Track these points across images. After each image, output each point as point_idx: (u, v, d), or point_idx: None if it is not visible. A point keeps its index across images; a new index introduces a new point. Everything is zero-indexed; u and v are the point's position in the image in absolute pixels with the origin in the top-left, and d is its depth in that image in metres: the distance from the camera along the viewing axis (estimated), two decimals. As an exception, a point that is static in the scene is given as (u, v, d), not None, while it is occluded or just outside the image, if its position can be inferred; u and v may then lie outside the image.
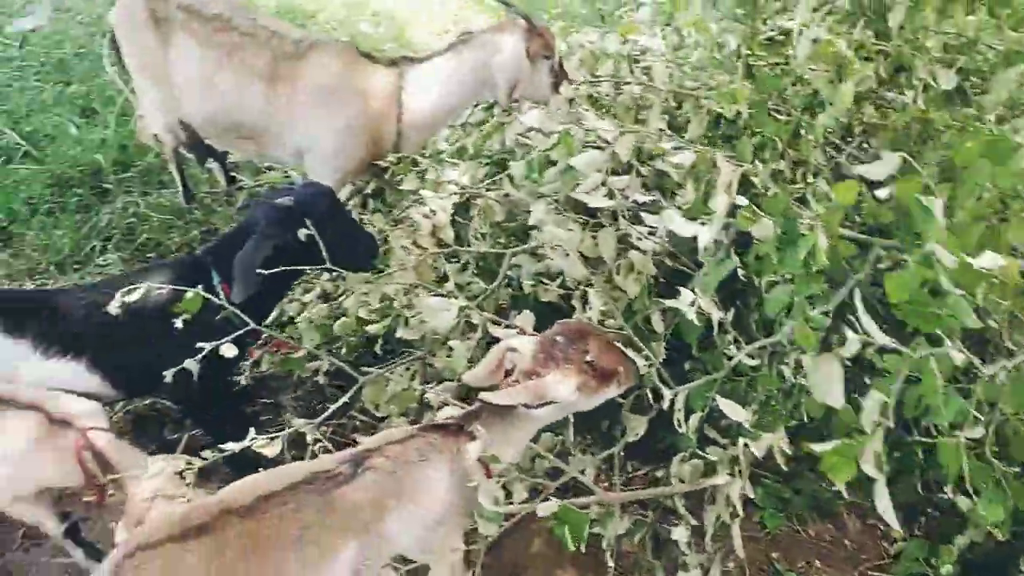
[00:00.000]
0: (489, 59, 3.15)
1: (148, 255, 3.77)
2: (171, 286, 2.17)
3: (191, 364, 1.92)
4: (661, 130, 2.44)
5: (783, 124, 2.58)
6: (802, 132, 2.64)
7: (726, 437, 2.12)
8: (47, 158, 4.12)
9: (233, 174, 4.11)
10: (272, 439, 1.89)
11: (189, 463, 1.92)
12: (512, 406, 1.83)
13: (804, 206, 2.20)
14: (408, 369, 2.35)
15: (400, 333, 2.36)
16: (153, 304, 2.22)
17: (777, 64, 3.15)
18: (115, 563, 1.63)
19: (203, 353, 1.92)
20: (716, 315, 2.00)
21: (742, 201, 2.04)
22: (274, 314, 2.83)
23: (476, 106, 3.54)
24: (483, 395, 1.81)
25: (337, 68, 3.12)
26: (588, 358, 1.87)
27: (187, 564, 1.63)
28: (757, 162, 2.34)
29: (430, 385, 2.27)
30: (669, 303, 2.06)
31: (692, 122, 2.82)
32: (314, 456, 2.14)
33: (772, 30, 3.11)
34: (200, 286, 2.05)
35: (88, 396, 2.32)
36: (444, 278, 2.74)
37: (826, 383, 1.68)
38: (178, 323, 1.97)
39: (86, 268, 3.67)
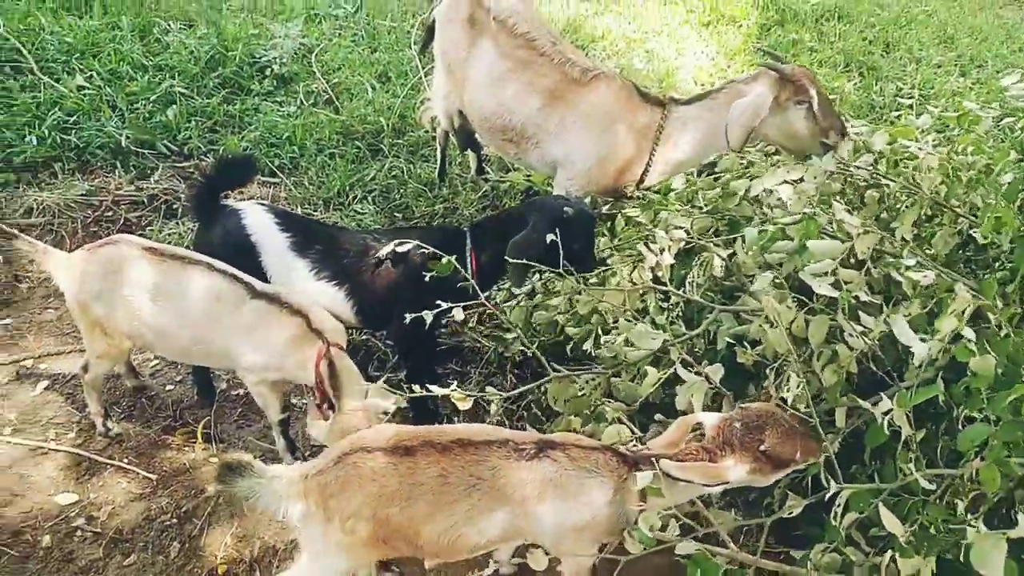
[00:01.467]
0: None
1: (396, 215, 4.28)
2: (432, 248, 2.52)
3: (428, 315, 2.25)
4: (906, 240, 2.43)
5: (1042, 267, 2.46)
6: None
7: (870, 546, 2.12)
8: (343, 110, 4.78)
9: (484, 165, 4.56)
10: (468, 396, 2.17)
11: (394, 397, 2.27)
12: None
13: (1035, 355, 2.12)
14: (594, 379, 2.54)
15: (599, 348, 2.57)
16: (412, 259, 2.61)
17: (1053, 205, 2.99)
18: (339, 454, 2.01)
19: (440, 309, 2.24)
20: (906, 431, 2.00)
21: (970, 333, 2.02)
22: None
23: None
24: (664, 463, 1.97)
25: (613, 102, 3.38)
26: (763, 447, 1.97)
27: (388, 473, 1.98)
28: (998, 299, 2.28)
29: (608, 400, 2.45)
30: (862, 404, 2.09)
31: (939, 235, 2.76)
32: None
33: (1055, 168, 2.95)
34: (455, 254, 2.41)
35: (335, 318, 2.77)
36: (645, 311, 2.92)
37: (986, 557, 1.67)
38: (427, 278, 2.31)
39: (345, 211, 4.25)
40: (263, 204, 3.04)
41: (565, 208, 2.81)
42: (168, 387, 3.33)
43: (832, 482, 2.05)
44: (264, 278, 2.84)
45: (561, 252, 2.61)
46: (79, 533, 2.70)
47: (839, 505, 2.03)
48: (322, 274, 2.85)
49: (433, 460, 1.99)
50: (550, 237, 2.62)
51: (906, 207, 2.68)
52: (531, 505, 2.02)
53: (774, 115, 3.14)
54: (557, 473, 2.02)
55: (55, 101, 4.43)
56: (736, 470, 1.97)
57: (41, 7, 5.05)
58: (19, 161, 4.17)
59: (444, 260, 2.28)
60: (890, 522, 1.92)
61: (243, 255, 2.83)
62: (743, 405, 2.09)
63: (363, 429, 2.18)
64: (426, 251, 2.47)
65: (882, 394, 1.96)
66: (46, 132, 4.26)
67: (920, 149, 3.11)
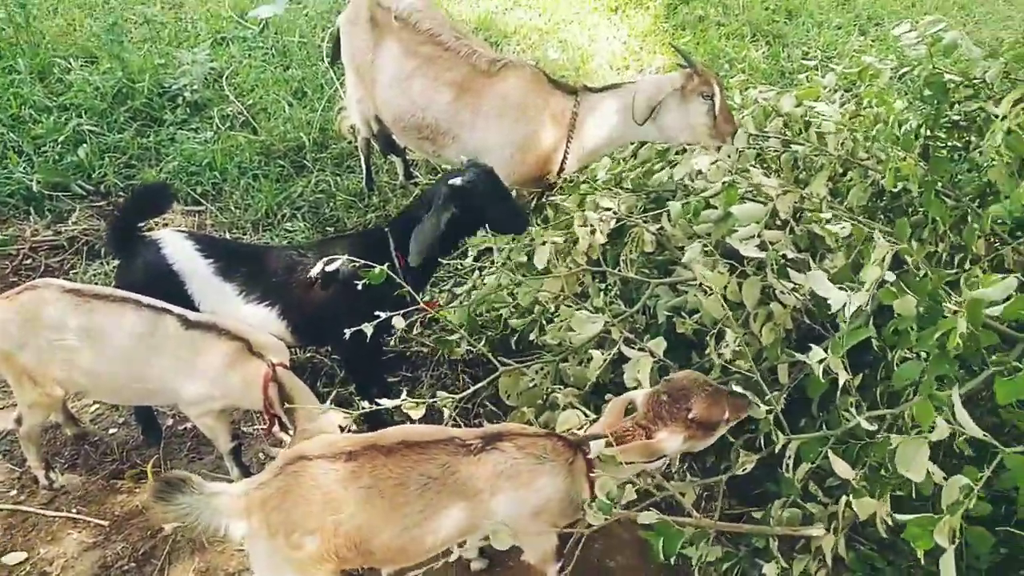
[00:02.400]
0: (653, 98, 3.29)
1: (328, 228, 4.23)
2: (359, 259, 2.49)
3: (367, 327, 2.23)
4: (824, 197, 2.53)
5: (950, 208, 2.59)
6: (968, 219, 2.64)
7: (828, 497, 2.19)
8: (261, 130, 4.70)
9: (411, 170, 4.54)
10: (419, 403, 2.16)
11: (347, 415, 2.24)
12: None
13: (954, 291, 2.23)
14: (542, 368, 2.57)
15: (545, 337, 2.59)
16: (339, 271, 2.59)
17: (955, 148, 3.14)
18: (279, 465, 1.97)
19: (379, 320, 2.23)
20: (843, 376, 2.08)
21: (890, 277, 2.11)
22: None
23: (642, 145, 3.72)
24: (603, 450, 2.02)
25: (524, 89, 3.41)
26: (691, 415, 2.05)
27: (331, 479, 1.95)
28: (914, 242, 2.38)
29: (559, 387, 2.48)
30: (799, 357, 2.16)
31: (854, 190, 2.88)
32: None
33: (958, 115, 3.10)
34: (381, 257, 2.39)
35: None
36: (585, 294, 2.96)
37: (910, 459, 1.76)
38: (358, 286, 2.29)
39: (275, 231, 4.18)
40: (181, 231, 2.97)
41: (453, 180, 2.76)
42: (111, 430, 3.22)
43: (780, 436, 2.12)
44: (192, 306, 2.78)
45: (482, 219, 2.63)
46: (33, 593, 2.60)
47: (790, 457, 2.10)
48: (251, 296, 2.79)
49: (379, 463, 1.96)
50: (448, 215, 2.64)
51: (818, 168, 2.78)
52: (485, 497, 2.03)
53: (679, 104, 3.22)
54: (507, 463, 2.04)
55: (-45, 152, 4.24)
56: (671, 441, 2.04)
57: (-73, 58, 4.82)
58: (-77, 218, 3.99)
59: (376, 270, 2.26)
60: (840, 467, 2.00)
61: (168, 285, 2.77)
62: (666, 378, 2.16)
63: None
64: (355, 263, 2.44)
65: (814, 345, 2.03)
66: (-50, 185, 4.08)
67: (827, 108, 3.23)
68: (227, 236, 4.10)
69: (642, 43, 5.97)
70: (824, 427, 2.36)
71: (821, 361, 2.05)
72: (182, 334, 2.54)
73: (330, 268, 2.27)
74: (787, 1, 6.69)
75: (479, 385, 2.39)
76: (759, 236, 2.37)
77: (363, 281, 2.28)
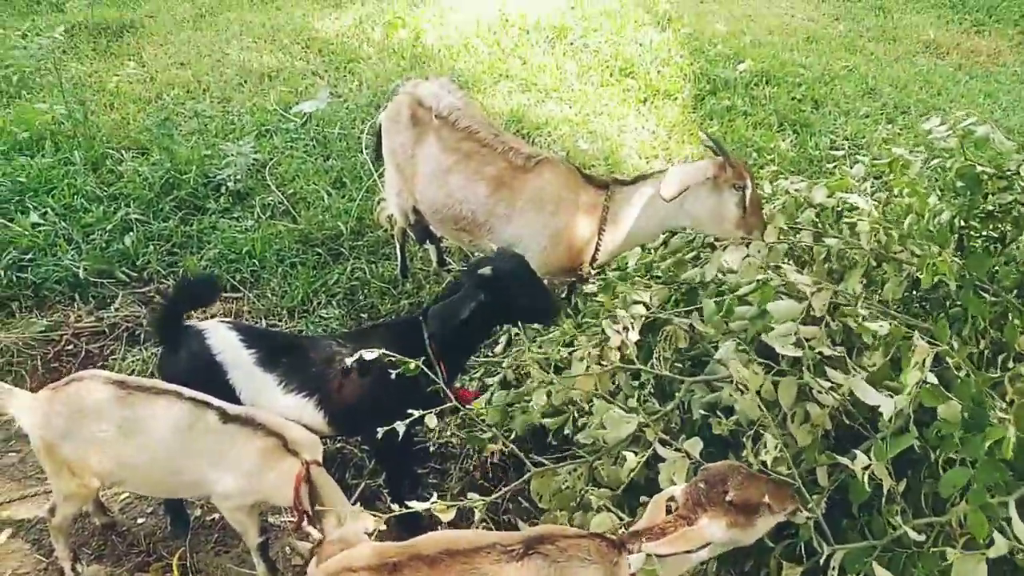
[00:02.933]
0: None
1: (362, 315, 4.29)
2: (392, 351, 2.50)
3: (400, 426, 2.23)
4: (859, 292, 2.50)
5: (989, 304, 2.55)
6: (1009, 315, 2.59)
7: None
8: (300, 219, 4.84)
9: (444, 257, 4.62)
10: (449, 506, 2.13)
11: (378, 518, 2.21)
12: None
13: (998, 392, 2.17)
14: (575, 469, 2.52)
15: (578, 436, 2.56)
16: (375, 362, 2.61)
17: (992, 240, 3.11)
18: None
19: (411, 419, 2.23)
20: (888, 483, 2.01)
21: (932, 379, 2.07)
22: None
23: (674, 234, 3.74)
24: (648, 545, 1.97)
25: (558, 183, 3.51)
26: (729, 497, 1.98)
27: None
28: (954, 341, 2.34)
29: (592, 488, 2.42)
30: (840, 460, 2.10)
31: (889, 284, 2.85)
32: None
33: (992, 206, 3.09)
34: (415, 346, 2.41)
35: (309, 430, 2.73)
36: (618, 390, 2.93)
37: None
38: (392, 376, 2.30)
39: (310, 317, 4.24)
40: (226, 321, 3.03)
41: (483, 269, 2.79)
42: (139, 520, 3.22)
43: (824, 545, 2.04)
44: (233, 396, 2.80)
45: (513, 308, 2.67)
46: None
47: (834, 568, 2.01)
48: (291, 387, 2.82)
49: (423, 574, 1.93)
50: (474, 303, 2.67)
51: (850, 265, 2.77)
52: None
53: (710, 192, 3.23)
54: (548, 568, 1.98)
55: (10, 240, 4.42)
56: (713, 527, 1.98)
57: (-9, 150, 5.09)
58: (-25, 304, 4.12)
59: (411, 365, 2.27)
60: (887, 580, 1.91)
61: (211, 375, 2.81)
62: (704, 467, 2.11)
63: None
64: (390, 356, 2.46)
65: (856, 451, 1.97)
66: (2, 272, 4.23)
67: (859, 200, 3.24)
68: (263, 323, 4.17)
69: (670, 133, 6.10)
70: (867, 531, 2.27)
71: (866, 468, 1.99)
72: (220, 428, 2.56)
73: (368, 358, 2.28)
74: (813, 91, 6.81)
75: (510, 487, 2.35)
76: (795, 333, 2.35)
77: (397, 372, 2.30)
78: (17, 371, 3.84)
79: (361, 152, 5.34)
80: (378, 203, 4.55)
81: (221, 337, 2.88)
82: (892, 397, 2.00)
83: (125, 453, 2.59)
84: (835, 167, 3.92)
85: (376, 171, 4.97)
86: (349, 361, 2.35)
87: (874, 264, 3.00)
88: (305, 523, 2.42)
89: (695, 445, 2.28)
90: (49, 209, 4.66)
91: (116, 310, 4.21)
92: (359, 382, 2.78)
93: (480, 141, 3.60)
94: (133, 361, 3.90)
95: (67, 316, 4.16)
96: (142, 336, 4.06)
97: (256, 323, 4.16)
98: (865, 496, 2.08)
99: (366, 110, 5.97)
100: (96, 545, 3.10)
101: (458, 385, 3.31)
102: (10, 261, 4.29)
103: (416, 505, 2.07)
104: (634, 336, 2.68)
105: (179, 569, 2.95)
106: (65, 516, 2.81)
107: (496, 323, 2.98)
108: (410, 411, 2.25)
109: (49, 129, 5.29)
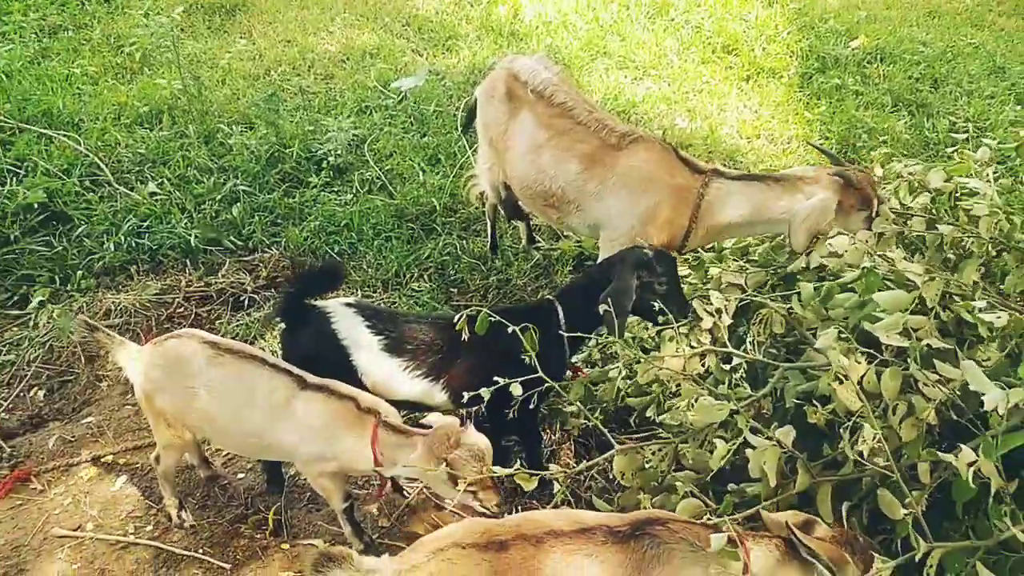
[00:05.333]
0: (792, 206, 3.21)
1: (451, 290, 4.36)
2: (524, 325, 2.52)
3: (516, 388, 2.33)
4: (976, 282, 2.35)
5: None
6: None
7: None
8: (396, 194, 4.95)
9: (533, 235, 4.63)
10: (532, 475, 2.15)
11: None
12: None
13: None
14: (660, 450, 2.49)
15: (664, 418, 2.52)
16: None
17: None
18: (433, 549, 1.96)
19: (531, 393, 2.31)
20: (996, 482, 1.89)
21: (1052, 373, 1.92)
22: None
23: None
24: (801, 536, 1.93)
25: (651, 163, 3.43)
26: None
27: (480, 570, 1.92)
28: (1082, 336, 2.16)
29: (677, 471, 2.39)
30: (945, 457, 1.99)
31: (1011, 276, 2.66)
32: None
33: None
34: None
35: (428, 408, 2.85)
36: (708, 373, 2.86)
37: None
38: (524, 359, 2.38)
39: (403, 290, 4.34)
40: (350, 304, 3.06)
41: (644, 251, 2.93)
42: (239, 475, 3.40)
43: (922, 542, 1.94)
44: (355, 378, 2.89)
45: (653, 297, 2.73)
46: (160, 627, 2.73)
47: (931, 567, 1.91)
48: (417, 372, 2.90)
49: (527, 554, 1.92)
50: (636, 282, 2.74)
51: (967, 254, 2.59)
52: None
53: (836, 220, 3.13)
54: (659, 548, 1.96)
55: (130, 208, 4.71)
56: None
57: (116, 123, 5.43)
58: (99, 267, 4.42)
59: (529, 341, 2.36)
60: (991, 584, 1.80)
61: (334, 356, 2.91)
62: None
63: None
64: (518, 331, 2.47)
65: (962, 445, 1.86)
66: (122, 238, 4.52)
67: (980, 184, 3.03)
68: (359, 294, 4.30)
69: (774, 113, 5.87)
70: (971, 534, 2.14)
71: (971, 464, 1.87)
72: (297, 394, 2.67)
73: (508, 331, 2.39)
74: (933, 69, 6.40)
75: (594, 461, 2.35)
76: (902, 323, 2.22)
77: (528, 353, 2.33)
78: (133, 330, 4.11)
79: (456, 129, 5.40)
80: (468, 180, 4.59)
81: (346, 321, 2.94)
82: (1006, 390, 1.87)
83: (210, 410, 2.74)
84: (955, 151, 3.67)
85: (470, 147, 5.02)
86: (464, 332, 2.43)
87: (993, 254, 2.82)
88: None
89: (787, 434, 2.21)
90: (165, 179, 4.94)
91: (223, 276, 4.43)
92: (488, 366, 2.66)
93: (574, 118, 3.56)
94: (237, 326, 4.10)
95: (179, 280, 4.41)
96: (245, 302, 4.26)
97: (352, 294, 4.29)
98: (970, 495, 1.96)
99: (463, 87, 6.02)
100: (200, 496, 3.30)
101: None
102: (130, 228, 4.58)
103: (500, 470, 2.09)
104: (727, 319, 2.61)
105: (274, 523, 3.10)
106: (167, 465, 3.00)
107: (637, 309, 2.92)
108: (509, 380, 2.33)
109: (167, 104, 5.59)
